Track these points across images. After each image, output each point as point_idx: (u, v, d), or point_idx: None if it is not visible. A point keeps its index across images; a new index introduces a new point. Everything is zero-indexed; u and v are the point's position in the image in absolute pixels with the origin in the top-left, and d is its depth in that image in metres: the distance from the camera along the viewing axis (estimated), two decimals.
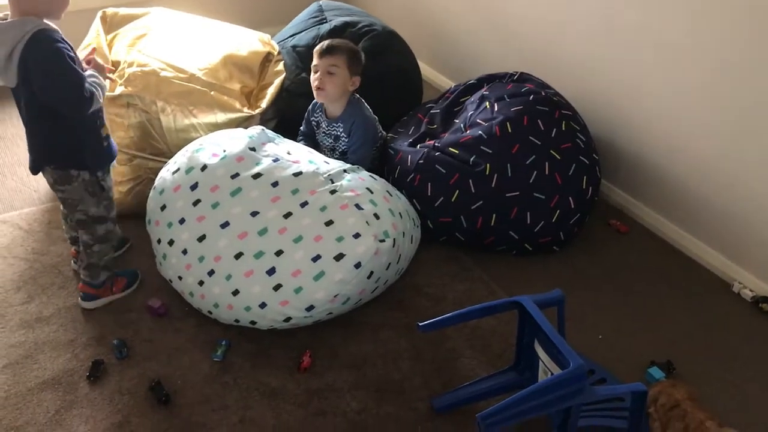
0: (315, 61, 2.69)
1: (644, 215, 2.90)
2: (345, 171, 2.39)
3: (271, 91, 2.89)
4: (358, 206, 2.25)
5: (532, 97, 2.73)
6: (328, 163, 2.40)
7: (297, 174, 2.28)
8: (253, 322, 2.23)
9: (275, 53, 3.08)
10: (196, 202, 2.24)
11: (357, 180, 2.37)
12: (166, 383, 2.12)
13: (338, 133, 2.78)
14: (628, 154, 2.89)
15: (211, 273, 2.20)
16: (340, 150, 2.81)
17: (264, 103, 2.83)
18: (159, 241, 2.33)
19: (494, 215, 2.58)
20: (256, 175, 2.25)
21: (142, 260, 2.58)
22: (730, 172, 2.52)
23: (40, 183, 2.99)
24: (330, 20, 3.32)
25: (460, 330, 2.35)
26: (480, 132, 2.65)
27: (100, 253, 2.32)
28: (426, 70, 3.84)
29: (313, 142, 2.89)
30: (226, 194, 2.23)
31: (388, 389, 2.15)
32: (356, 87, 2.72)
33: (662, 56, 2.63)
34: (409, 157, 2.70)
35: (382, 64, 3.12)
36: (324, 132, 2.83)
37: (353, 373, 2.20)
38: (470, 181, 2.57)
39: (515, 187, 2.57)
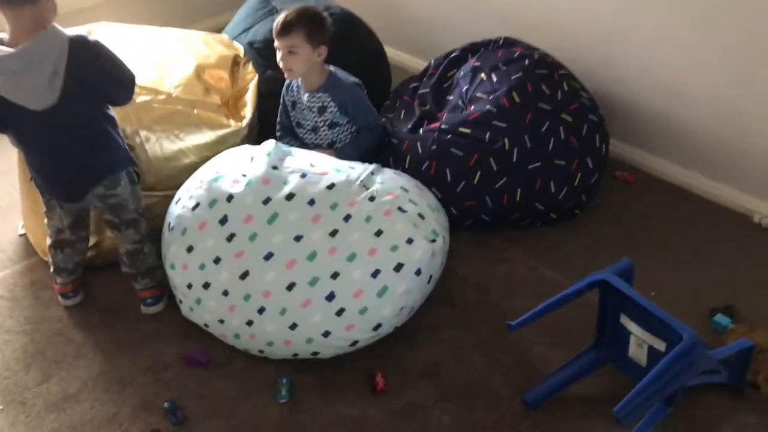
0: (276, 42, 2.49)
1: (647, 161, 2.90)
2: (372, 173, 2.23)
3: (250, 98, 2.66)
4: (400, 209, 2.11)
5: (527, 61, 2.64)
6: (353, 167, 2.23)
7: (330, 186, 2.10)
8: (315, 353, 2.06)
9: (242, 55, 2.83)
10: (231, 237, 2.02)
11: (388, 181, 2.21)
12: None
13: (323, 103, 2.59)
14: (621, 102, 2.86)
15: (261, 311, 2.00)
16: (328, 122, 2.61)
17: (248, 112, 2.60)
18: (189, 287, 2.09)
19: (519, 190, 2.50)
20: (289, 196, 2.05)
21: None
22: (726, 102, 2.55)
23: (5, 241, 2.64)
24: (280, 9, 3.08)
25: None
26: (488, 106, 2.54)
27: (152, 251, 2.27)
28: (389, 51, 3.64)
29: (292, 133, 2.70)
30: (262, 223, 2.02)
31: (473, 393, 2.05)
32: (324, 56, 2.52)
33: None
34: (419, 144, 2.56)
35: (346, 49, 2.93)
36: (306, 107, 2.62)
37: (431, 383, 2.08)
38: (491, 159, 2.47)
39: (536, 158, 2.50)
